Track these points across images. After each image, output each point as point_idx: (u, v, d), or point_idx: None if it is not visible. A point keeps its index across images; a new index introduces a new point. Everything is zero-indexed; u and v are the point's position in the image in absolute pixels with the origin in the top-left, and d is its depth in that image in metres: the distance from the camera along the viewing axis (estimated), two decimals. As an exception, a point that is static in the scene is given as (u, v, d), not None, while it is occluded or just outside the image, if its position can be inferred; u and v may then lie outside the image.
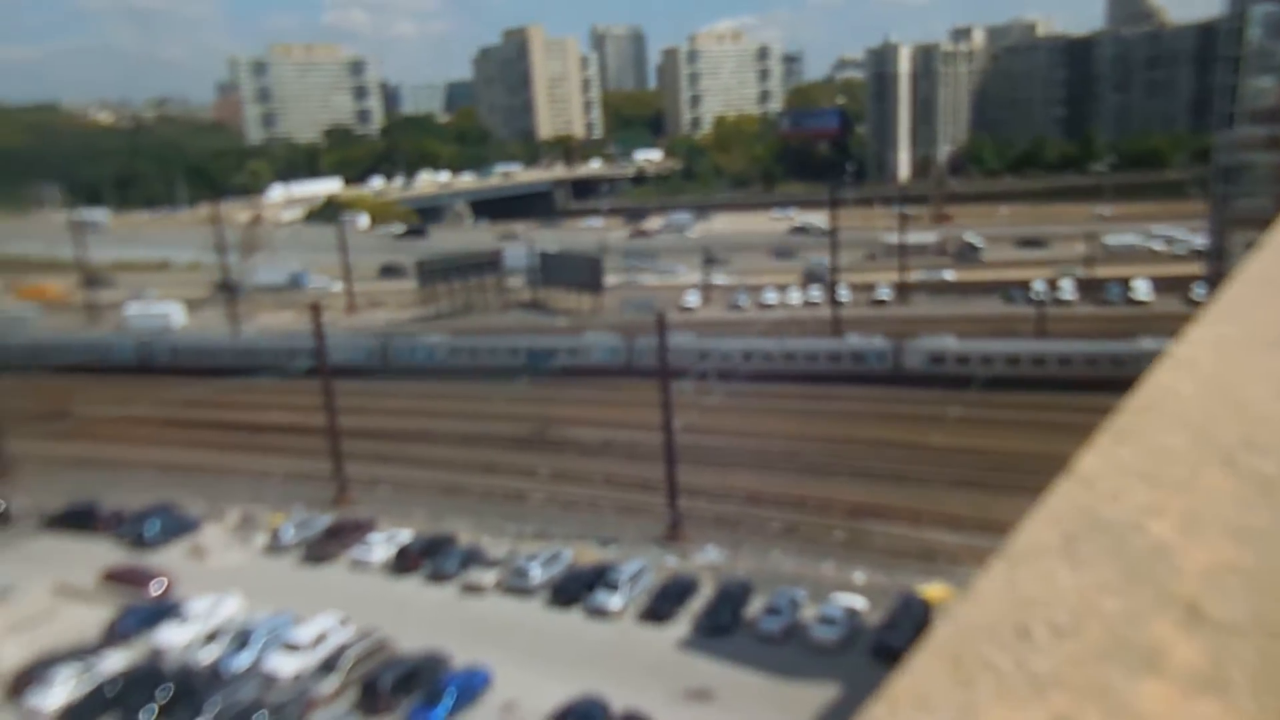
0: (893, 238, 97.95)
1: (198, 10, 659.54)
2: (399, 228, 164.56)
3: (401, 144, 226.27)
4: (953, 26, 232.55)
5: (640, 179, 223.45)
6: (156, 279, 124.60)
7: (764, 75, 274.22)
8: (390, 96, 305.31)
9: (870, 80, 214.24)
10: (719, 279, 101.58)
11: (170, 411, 65.88)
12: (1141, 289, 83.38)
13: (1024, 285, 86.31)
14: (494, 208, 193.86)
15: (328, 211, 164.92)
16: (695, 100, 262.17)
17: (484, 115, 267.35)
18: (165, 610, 38.98)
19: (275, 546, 45.91)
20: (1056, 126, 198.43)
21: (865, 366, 66.29)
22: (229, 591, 40.14)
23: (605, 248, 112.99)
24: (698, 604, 38.27)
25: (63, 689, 33.37)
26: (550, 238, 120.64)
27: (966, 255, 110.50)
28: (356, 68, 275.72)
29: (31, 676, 34.18)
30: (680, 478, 44.91)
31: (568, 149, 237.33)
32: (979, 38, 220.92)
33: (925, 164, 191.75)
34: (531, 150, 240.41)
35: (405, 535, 45.22)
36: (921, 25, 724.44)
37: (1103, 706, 1.21)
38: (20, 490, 53.70)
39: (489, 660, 34.18)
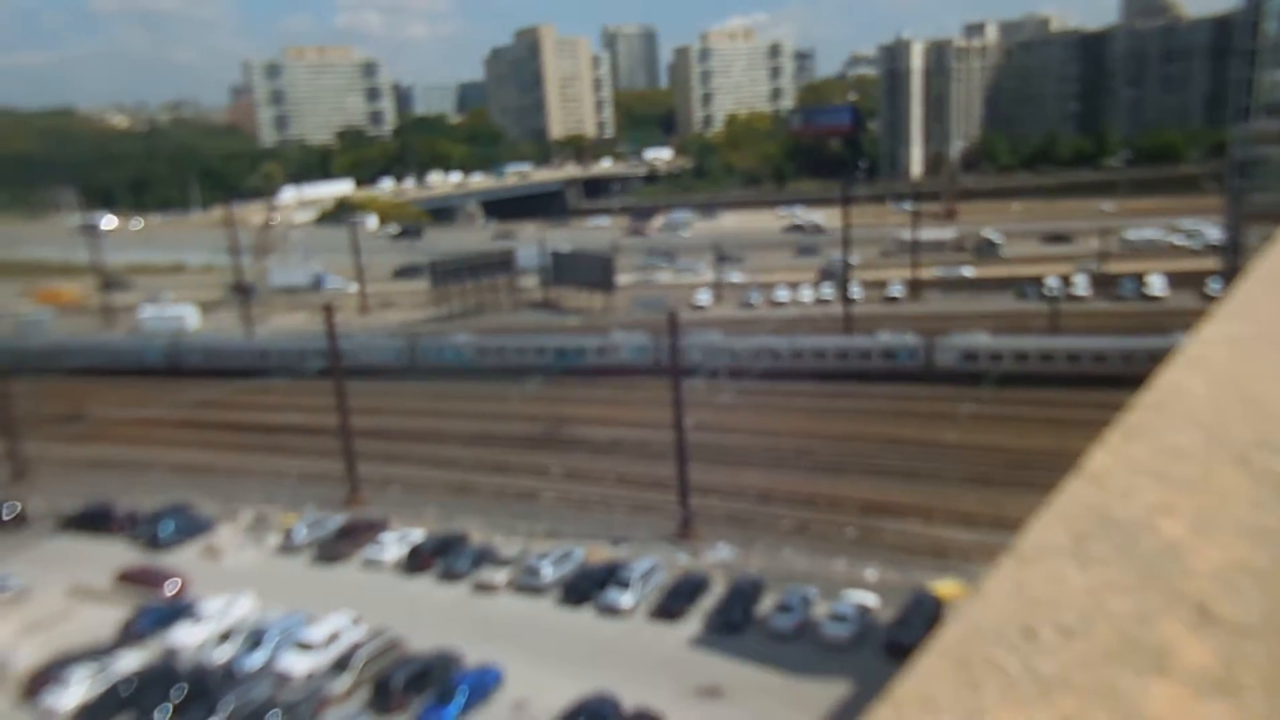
0: (909, 234, 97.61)
1: (211, 14, 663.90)
2: (394, 229, 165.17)
3: (413, 145, 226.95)
4: (965, 22, 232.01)
5: (652, 178, 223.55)
6: (170, 281, 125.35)
7: (776, 73, 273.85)
8: (403, 98, 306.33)
9: (883, 77, 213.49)
10: (735, 277, 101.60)
11: (185, 413, 66.34)
12: (1156, 284, 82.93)
13: (1037, 281, 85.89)
14: (506, 208, 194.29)
15: (339, 213, 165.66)
16: (707, 98, 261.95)
17: (496, 115, 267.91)
18: (179, 610, 39.24)
19: (288, 546, 46.13)
20: (1070, 122, 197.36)
21: (896, 364, 65.81)
22: (242, 591, 40.35)
23: (618, 246, 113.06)
24: (709, 602, 38.24)
25: (78, 689, 33.64)
26: (556, 237, 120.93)
27: (985, 251, 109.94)
28: (369, 69, 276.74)
29: (47, 676, 34.44)
30: (694, 476, 44.90)
31: (579, 148, 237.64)
32: (992, 33, 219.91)
33: (938, 160, 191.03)
34: (543, 150, 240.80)
35: (417, 535, 45.36)
36: (934, 21, 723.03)
37: (1111, 708, 1.20)
38: (36, 492, 54.16)
39: (501, 659, 34.25)
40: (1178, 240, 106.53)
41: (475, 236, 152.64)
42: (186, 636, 37.26)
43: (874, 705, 1.26)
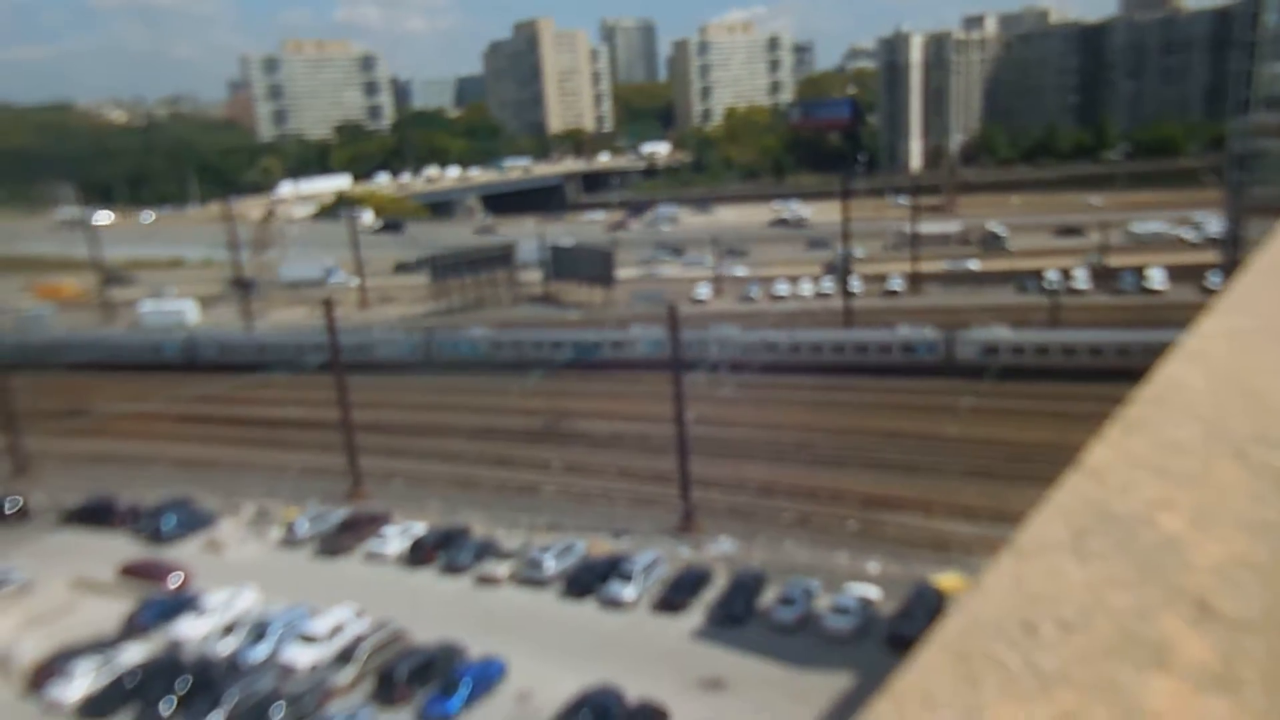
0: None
1: (209, 8, 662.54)
2: (377, 223, 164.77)
3: (412, 139, 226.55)
4: (965, 15, 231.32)
5: (651, 172, 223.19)
6: (170, 276, 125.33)
7: (774, 66, 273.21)
8: (401, 92, 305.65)
9: (882, 70, 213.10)
10: (739, 270, 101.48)
11: (188, 407, 66.37)
12: (1156, 278, 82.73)
13: (1037, 274, 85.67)
14: (505, 202, 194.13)
15: (337, 208, 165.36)
16: (706, 92, 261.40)
17: (494, 109, 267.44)
18: (183, 603, 39.35)
19: (291, 540, 46.20)
20: (1070, 114, 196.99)
21: (915, 358, 65.28)
22: (245, 584, 40.43)
23: (619, 240, 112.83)
24: (711, 594, 38.31)
25: (83, 681, 33.77)
26: (552, 231, 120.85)
27: (990, 244, 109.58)
28: (367, 63, 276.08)
29: (52, 669, 34.57)
30: (696, 469, 44.92)
31: (578, 142, 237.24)
32: (991, 26, 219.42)
33: (937, 153, 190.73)
34: (542, 144, 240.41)
35: (420, 528, 45.43)
36: (933, 14, 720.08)
37: (1111, 704, 1.20)
38: (38, 486, 54.24)
39: (504, 651, 34.32)
40: (1185, 233, 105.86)
41: (456, 231, 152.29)
42: (190, 629, 37.37)
43: (874, 700, 1.27)
